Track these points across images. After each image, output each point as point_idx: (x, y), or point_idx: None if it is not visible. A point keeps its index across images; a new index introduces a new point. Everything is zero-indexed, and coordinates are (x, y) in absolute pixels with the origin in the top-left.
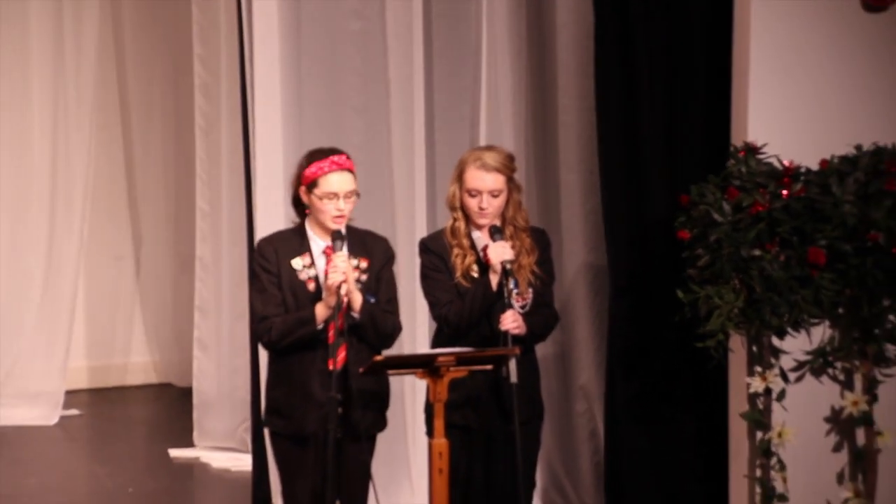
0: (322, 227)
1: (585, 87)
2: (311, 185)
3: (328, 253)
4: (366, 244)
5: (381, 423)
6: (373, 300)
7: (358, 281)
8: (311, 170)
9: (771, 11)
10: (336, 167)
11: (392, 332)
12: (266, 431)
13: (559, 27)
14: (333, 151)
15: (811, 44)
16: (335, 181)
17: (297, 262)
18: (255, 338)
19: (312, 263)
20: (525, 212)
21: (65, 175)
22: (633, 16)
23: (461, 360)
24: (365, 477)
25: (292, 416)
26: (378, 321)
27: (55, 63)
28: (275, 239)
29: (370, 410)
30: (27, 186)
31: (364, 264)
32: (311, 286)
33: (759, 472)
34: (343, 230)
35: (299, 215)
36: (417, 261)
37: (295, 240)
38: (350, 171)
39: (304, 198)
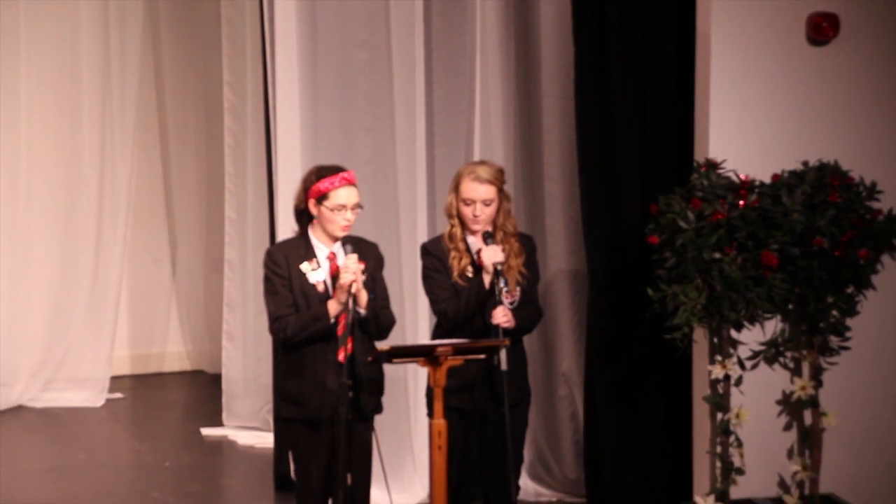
0: (326, 234)
1: (567, 109)
2: (322, 198)
3: (331, 258)
4: (361, 249)
5: (379, 407)
6: (372, 296)
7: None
8: (322, 185)
9: (729, 47)
10: (345, 182)
11: (390, 325)
12: (275, 418)
13: (544, 57)
14: (340, 168)
15: (763, 74)
16: (344, 195)
17: (306, 267)
18: (272, 335)
19: (319, 267)
20: (513, 219)
21: (111, 187)
22: (609, 49)
23: (458, 350)
24: (369, 453)
25: (307, 404)
26: (380, 316)
27: (103, 90)
28: (283, 246)
29: (372, 395)
30: (78, 197)
31: (362, 266)
32: (320, 287)
33: (719, 449)
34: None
35: (302, 225)
36: (419, 262)
37: (301, 247)
38: (356, 186)
39: (314, 210)
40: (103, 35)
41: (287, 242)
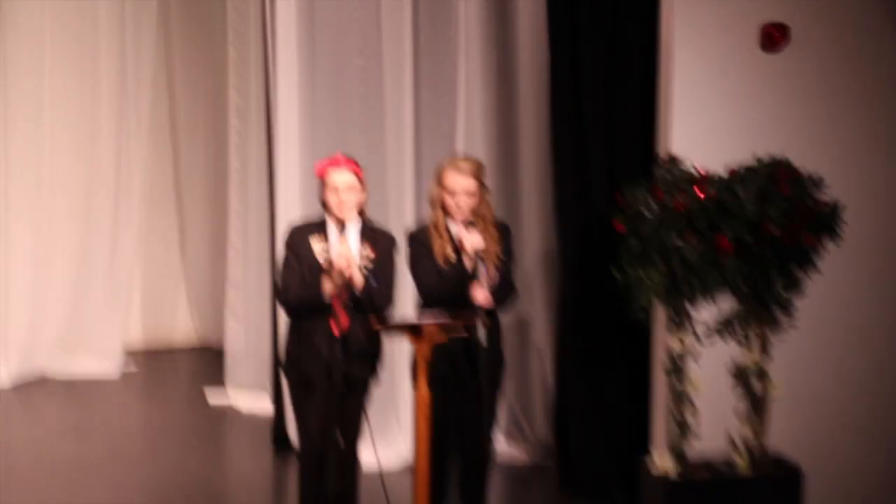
0: (335, 217)
1: (541, 110)
2: (322, 182)
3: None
4: (374, 236)
5: (375, 376)
6: (374, 283)
7: (364, 267)
8: (320, 169)
9: (689, 53)
10: (334, 166)
11: (385, 307)
12: (284, 381)
13: (521, 63)
14: (336, 155)
15: (720, 78)
16: (335, 177)
17: (316, 245)
18: (277, 300)
19: (327, 244)
20: (492, 208)
21: (126, 179)
22: (580, 55)
23: (441, 326)
24: (361, 418)
25: (304, 368)
26: (374, 299)
27: (120, 93)
28: (302, 227)
29: (366, 364)
30: (97, 188)
31: (370, 252)
32: (325, 265)
33: (676, 414)
34: (356, 223)
35: (323, 209)
36: (407, 248)
37: (317, 227)
38: (349, 170)
39: (322, 192)
40: (120, 44)
41: (307, 223)
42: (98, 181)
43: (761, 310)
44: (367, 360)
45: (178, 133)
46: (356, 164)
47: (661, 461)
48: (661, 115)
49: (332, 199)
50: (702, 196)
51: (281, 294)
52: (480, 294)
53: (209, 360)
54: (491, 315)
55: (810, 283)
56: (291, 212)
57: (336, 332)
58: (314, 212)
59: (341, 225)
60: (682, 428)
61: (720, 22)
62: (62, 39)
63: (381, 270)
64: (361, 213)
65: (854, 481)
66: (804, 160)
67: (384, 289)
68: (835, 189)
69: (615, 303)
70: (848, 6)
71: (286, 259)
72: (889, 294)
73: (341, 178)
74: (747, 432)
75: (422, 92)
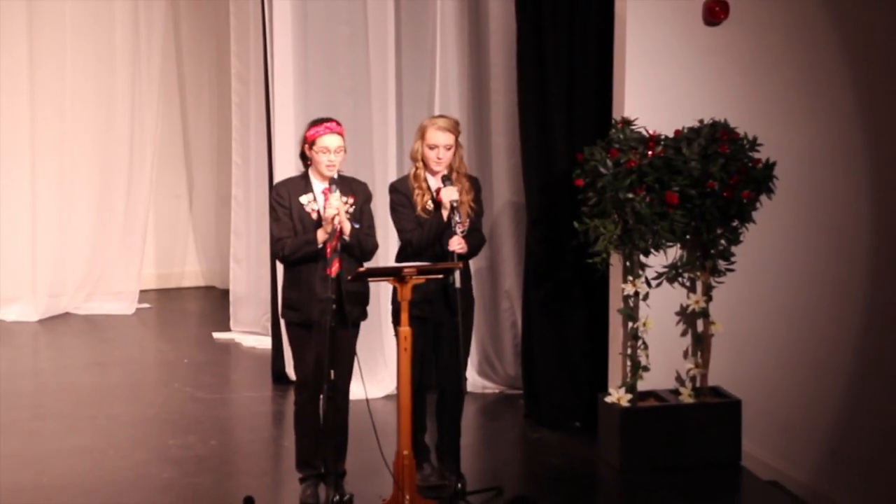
0: (320, 174)
1: (510, 75)
2: (312, 143)
3: (325, 193)
4: (352, 187)
5: (364, 315)
6: (357, 226)
7: (347, 213)
8: (311, 132)
9: (640, 27)
10: (328, 130)
11: (372, 249)
12: (282, 321)
13: (492, 32)
14: (328, 119)
15: (668, 49)
16: (327, 140)
17: (304, 199)
18: (272, 253)
19: (314, 200)
20: (465, 164)
21: (139, 137)
22: (544, 28)
23: (420, 271)
24: (352, 354)
25: (301, 310)
26: (363, 242)
27: (133, 59)
28: (287, 182)
29: (356, 306)
30: (114, 145)
31: (350, 200)
32: (315, 216)
33: (629, 351)
34: (336, 177)
35: (304, 166)
36: (389, 197)
37: (301, 183)
38: (339, 133)
39: (308, 153)
40: (133, 16)
41: (290, 179)
42: (115, 140)
43: (704, 257)
44: (357, 301)
45: (186, 96)
46: (341, 126)
47: (616, 392)
48: (615, 82)
49: (321, 159)
50: (651, 154)
51: (276, 248)
52: (455, 242)
53: (214, 300)
54: (463, 260)
55: (747, 232)
56: (287, 166)
57: (329, 274)
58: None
59: (330, 179)
60: (635, 365)
61: None
62: (83, 14)
63: (361, 215)
64: None
65: (785, 410)
66: (741, 122)
67: (367, 229)
68: (769, 148)
69: (575, 251)
70: None
71: (276, 213)
72: (817, 242)
73: (333, 141)
74: (691, 367)
75: (402, 59)
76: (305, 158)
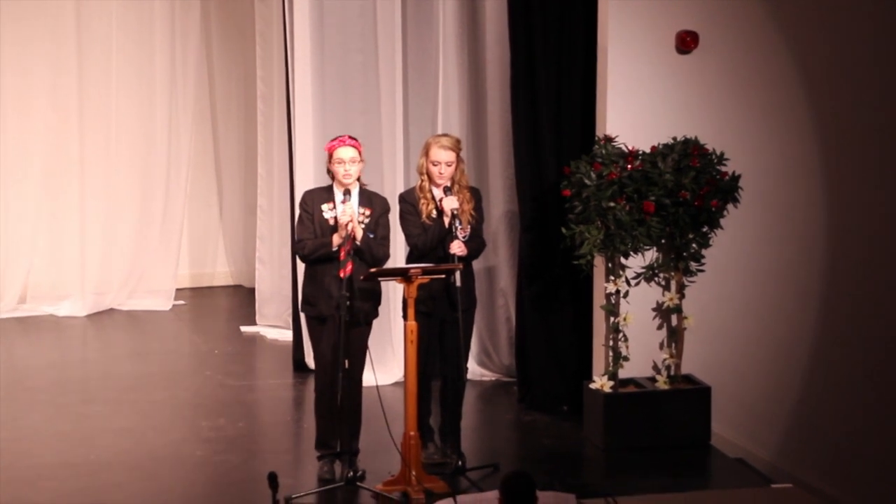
0: (340, 184)
1: (504, 98)
2: (330, 156)
3: (343, 202)
4: (371, 200)
5: (375, 313)
6: (371, 235)
7: (361, 222)
8: (329, 145)
9: (620, 54)
10: (342, 143)
11: (383, 258)
12: (302, 315)
13: (488, 61)
14: (344, 135)
15: (644, 74)
16: (341, 152)
17: (325, 206)
18: (294, 252)
19: (334, 208)
20: (466, 176)
21: (176, 152)
22: (535, 53)
23: (425, 271)
24: (364, 348)
25: (317, 305)
26: (373, 249)
27: (170, 81)
28: (313, 191)
29: (368, 304)
30: (153, 159)
31: (367, 212)
32: (332, 222)
33: (611, 343)
34: (353, 188)
35: (330, 178)
36: (398, 206)
37: (325, 193)
38: (353, 146)
39: (329, 165)
40: (170, 43)
41: (317, 189)
42: (154, 155)
43: (677, 259)
44: (368, 298)
45: (217, 116)
46: (357, 141)
47: (600, 380)
48: (598, 103)
49: (338, 170)
50: (630, 168)
51: (297, 247)
52: (456, 245)
53: (242, 297)
54: (464, 262)
55: (716, 237)
56: (306, 178)
57: (342, 275)
58: (323, 180)
59: (345, 190)
60: (616, 355)
61: (644, 29)
62: (125, 41)
63: (376, 226)
64: (359, 180)
65: (750, 395)
66: (711, 139)
67: (381, 239)
68: (735, 162)
69: (563, 253)
70: (746, 18)
71: (300, 217)
72: (779, 246)
73: (346, 153)
74: (666, 357)
75: (409, 83)
76: (330, 172)
